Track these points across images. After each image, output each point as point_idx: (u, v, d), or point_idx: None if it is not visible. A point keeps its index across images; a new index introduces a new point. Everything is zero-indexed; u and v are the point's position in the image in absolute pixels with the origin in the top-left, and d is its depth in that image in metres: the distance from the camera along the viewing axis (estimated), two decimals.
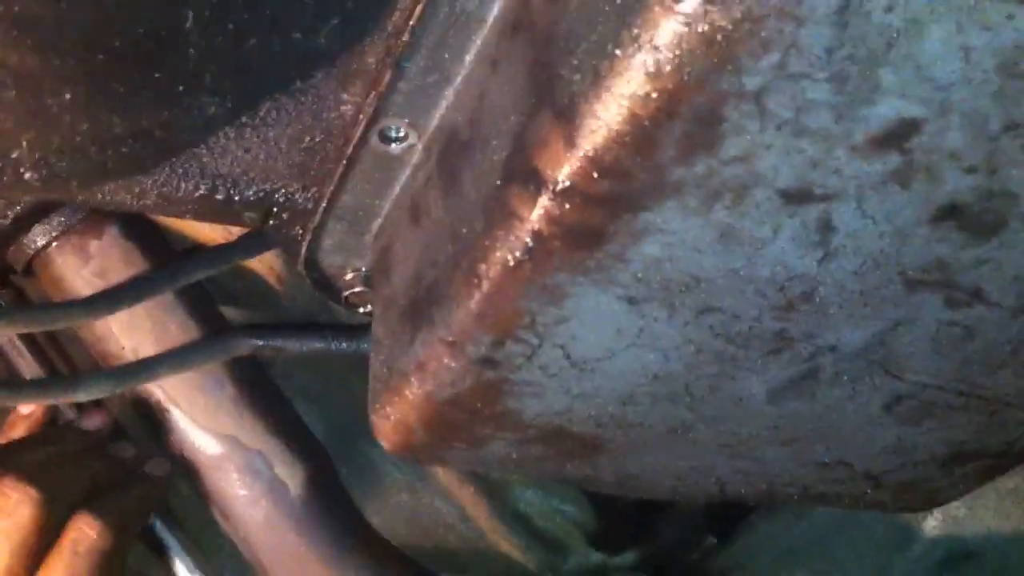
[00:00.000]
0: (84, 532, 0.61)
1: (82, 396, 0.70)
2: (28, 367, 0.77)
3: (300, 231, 0.64)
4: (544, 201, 0.46)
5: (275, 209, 0.63)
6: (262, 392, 0.78)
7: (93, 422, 0.75)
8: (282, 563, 0.76)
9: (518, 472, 0.73)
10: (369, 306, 0.67)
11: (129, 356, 0.74)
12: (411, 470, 0.96)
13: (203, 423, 0.76)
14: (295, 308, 0.87)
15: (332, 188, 0.61)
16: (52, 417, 0.77)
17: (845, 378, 0.55)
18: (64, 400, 0.71)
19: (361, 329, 0.73)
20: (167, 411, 0.76)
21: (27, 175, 0.50)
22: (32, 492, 0.60)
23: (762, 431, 0.58)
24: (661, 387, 0.55)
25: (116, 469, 0.71)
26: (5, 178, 0.50)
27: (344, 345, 0.73)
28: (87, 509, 0.63)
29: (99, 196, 0.60)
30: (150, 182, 0.60)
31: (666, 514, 1.03)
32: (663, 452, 0.60)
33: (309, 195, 0.62)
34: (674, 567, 1.03)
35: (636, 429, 0.58)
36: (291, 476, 0.77)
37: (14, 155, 0.49)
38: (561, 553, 1.01)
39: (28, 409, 0.75)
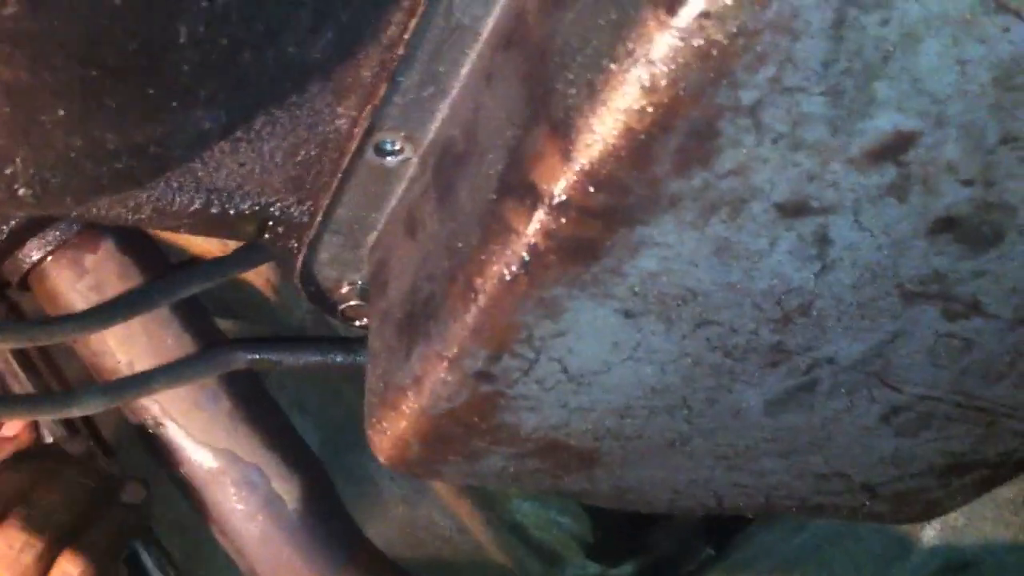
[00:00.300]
0: (68, 571, 0.62)
1: (77, 411, 0.70)
2: (19, 383, 0.77)
3: (296, 244, 0.64)
4: (540, 215, 0.46)
5: (270, 222, 0.63)
6: (258, 405, 0.78)
7: (75, 447, 0.75)
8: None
9: (515, 486, 0.73)
10: (365, 319, 0.67)
11: (125, 370, 0.74)
12: (407, 483, 0.96)
13: (199, 437, 0.75)
14: (291, 321, 0.87)
15: (328, 201, 0.61)
16: (37, 439, 0.76)
17: (843, 390, 0.55)
18: (59, 415, 0.71)
19: (357, 342, 0.72)
20: (163, 426, 0.76)
21: (21, 191, 0.50)
22: (35, 540, 0.61)
23: (759, 443, 0.58)
24: (658, 400, 0.54)
25: (98, 493, 0.71)
26: (0, 194, 0.49)
27: (340, 358, 0.72)
28: (70, 546, 0.63)
29: (94, 211, 0.59)
30: (145, 196, 0.59)
31: (663, 526, 1.03)
32: (660, 465, 0.60)
33: (305, 208, 0.62)
34: None
35: (633, 442, 0.57)
36: (288, 490, 0.77)
37: (8, 171, 0.49)
38: (558, 565, 1.01)
39: (14, 431, 0.75)
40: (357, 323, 0.68)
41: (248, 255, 0.70)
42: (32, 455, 0.72)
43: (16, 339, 0.71)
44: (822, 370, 0.54)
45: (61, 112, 0.46)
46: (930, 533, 0.94)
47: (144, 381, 0.72)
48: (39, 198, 0.51)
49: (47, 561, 0.61)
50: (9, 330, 0.71)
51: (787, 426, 0.57)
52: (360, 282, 0.66)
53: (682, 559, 1.03)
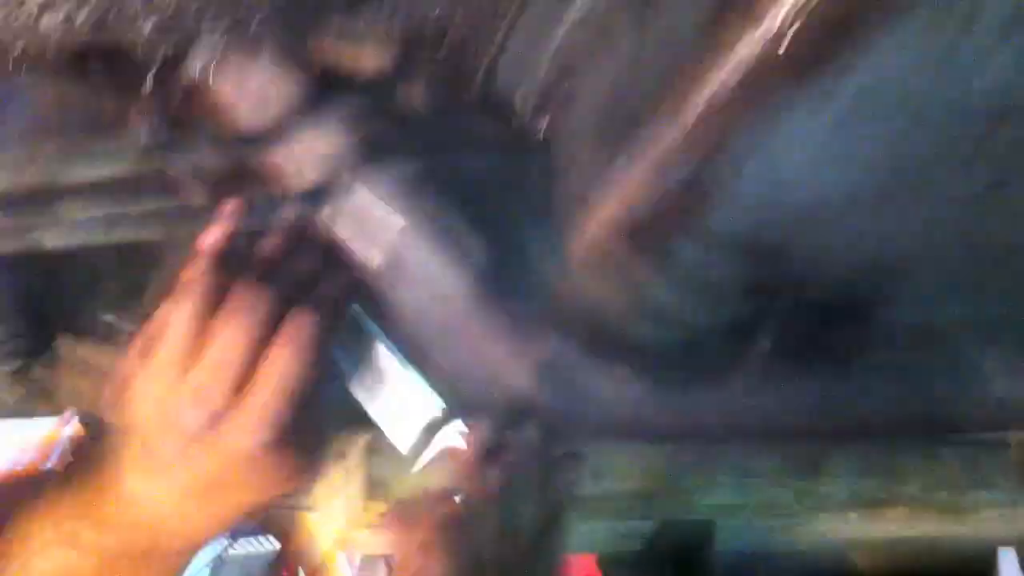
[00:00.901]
0: (302, 322, 0.63)
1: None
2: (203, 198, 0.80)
3: (479, 52, 0.66)
4: (760, 30, 0.48)
5: (454, 32, 0.64)
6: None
7: (292, 214, 0.76)
8: (461, 335, 0.79)
9: (703, 276, 0.76)
10: (544, 127, 0.69)
11: (302, 176, 0.76)
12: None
13: (384, 205, 0.77)
14: None
15: (512, 10, 0.63)
16: None
17: None
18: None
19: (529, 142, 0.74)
20: (353, 192, 0.78)
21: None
22: (266, 291, 0.62)
23: (947, 237, 0.61)
24: (857, 201, 0.57)
25: (322, 252, 0.72)
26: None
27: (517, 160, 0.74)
28: (302, 301, 0.65)
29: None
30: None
31: None
32: (846, 259, 0.63)
33: (489, 17, 0.64)
34: None
35: (824, 237, 0.60)
36: (467, 250, 0.79)
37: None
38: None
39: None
40: (537, 132, 0.70)
41: (426, 67, 0.72)
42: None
43: (193, 156, 0.73)
44: (1015, 172, 0.56)
45: None
46: None
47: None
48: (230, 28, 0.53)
49: (278, 315, 0.62)
50: (187, 147, 0.73)
51: (979, 222, 0.60)
52: (542, 89, 0.67)
53: None
